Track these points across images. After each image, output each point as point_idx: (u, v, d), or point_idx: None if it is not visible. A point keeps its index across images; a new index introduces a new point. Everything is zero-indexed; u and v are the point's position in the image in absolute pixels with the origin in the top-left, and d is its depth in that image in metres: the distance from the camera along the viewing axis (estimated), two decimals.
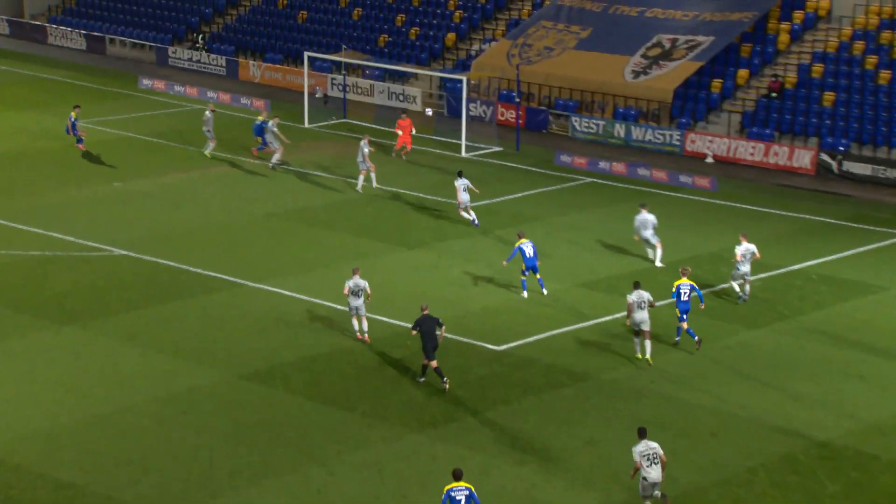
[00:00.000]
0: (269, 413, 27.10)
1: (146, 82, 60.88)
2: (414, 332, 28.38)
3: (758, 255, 34.10)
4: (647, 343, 29.78)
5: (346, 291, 30.47)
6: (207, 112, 48.28)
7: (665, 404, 27.82)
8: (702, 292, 31.18)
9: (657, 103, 52.70)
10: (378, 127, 51.47)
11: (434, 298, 33.50)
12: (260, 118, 47.43)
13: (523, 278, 33.40)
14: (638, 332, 29.80)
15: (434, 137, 51.46)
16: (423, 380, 28.52)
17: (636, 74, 53.90)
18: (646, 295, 29.73)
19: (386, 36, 62.73)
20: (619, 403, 27.67)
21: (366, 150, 44.78)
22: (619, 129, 52.03)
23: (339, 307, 32.35)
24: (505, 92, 56.08)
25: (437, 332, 28.06)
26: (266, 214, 41.23)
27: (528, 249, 33.06)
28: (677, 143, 50.74)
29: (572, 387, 28.61)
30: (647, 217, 36.67)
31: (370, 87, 58.65)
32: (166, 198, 43.00)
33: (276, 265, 36.23)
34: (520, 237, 33.45)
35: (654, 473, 22.84)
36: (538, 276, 33.33)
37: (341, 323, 31.59)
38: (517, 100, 52.53)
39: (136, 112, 55.96)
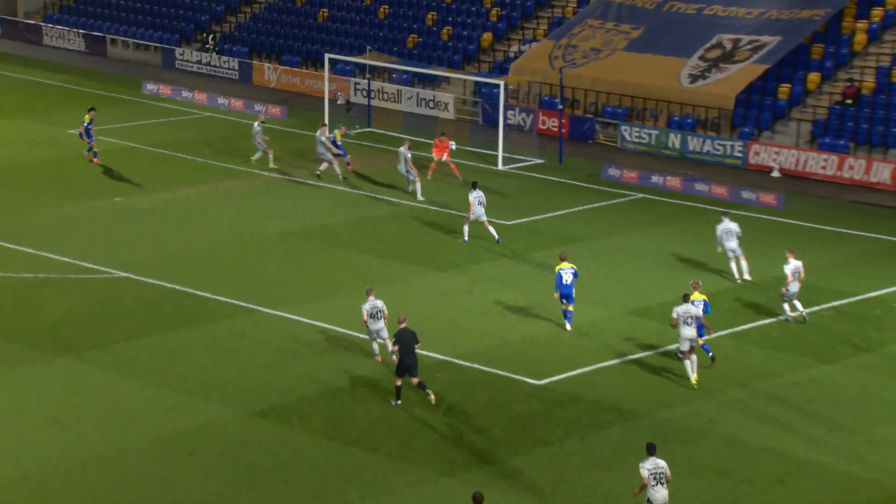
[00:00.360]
0: (284, 455, 27.05)
1: (150, 87, 61.20)
2: (395, 348, 28.82)
3: (803, 273, 34.16)
4: (695, 357, 30.32)
5: (364, 317, 30.55)
6: (256, 124, 48.48)
7: (726, 447, 27.59)
8: (710, 318, 31.11)
9: (717, 111, 52.52)
10: (406, 137, 51.40)
11: (468, 327, 33.41)
12: (338, 132, 47.50)
13: (563, 307, 33.22)
14: (684, 354, 30.23)
15: (468, 149, 51.43)
16: (398, 403, 28.84)
17: (693, 79, 53.73)
18: (694, 310, 30.21)
19: (415, 36, 62.85)
20: (675, 446, 27.45)
21: (408, 155, 44.91)
22: (674, 140, 51.87)
23: (362, 336, 32.30)
24: (546, 98, 56.02)
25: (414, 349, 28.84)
26: (282, 233, 41.28)
27: (567, 276, 32.82)
28: (739, 155, 50.53)
29: (621, 426, 28.43)
30: (730, 226, 37.02)
31: (397, 92, 58.74)
32: (172, 214, 43.14)
33: (292, 289, 36.23)
34: (561, 260, 33.27)
35: (661, 494, 23.21)
36: (570, 307, 33.11)
37: (365, 354, 31.54)
38: (560, 107, 52.48)
39: (139, 120, 56.23)
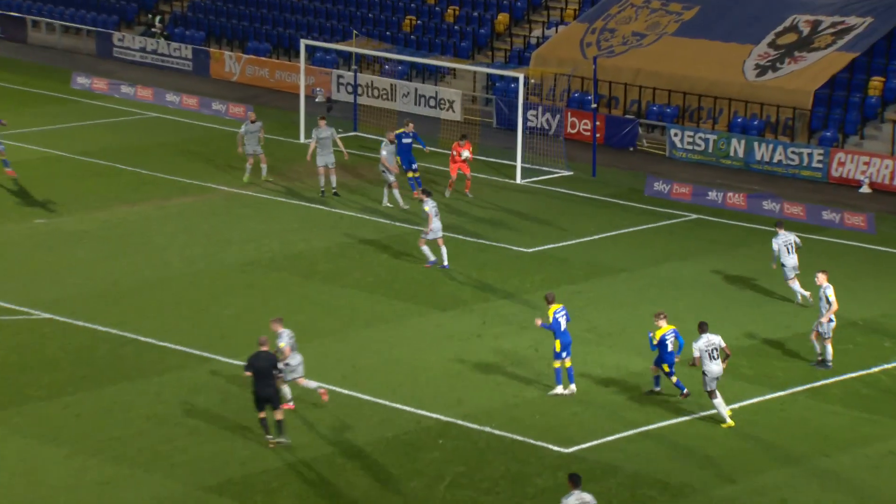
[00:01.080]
0: None
1: (82, 81, 61.32)
2: (247, 374, 29.68)
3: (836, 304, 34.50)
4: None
5: (287, 352, 31.05)
6: (244, 127, 48.10)
7: None
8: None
9: (791, 110, 52.55)
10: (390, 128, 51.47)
11: (476, 380, 33.35)
12: (404, 130, 46.88)
13: (557, 366, 32.56)
14: (713, 392, 31.07)
15: (479, 157, 51.46)
16: (271, 438, 29.78)
17: (762, 70, 53.76)
18: (717, 340, 31.14)
19: (413, 18, 62.99)
20: None
21: (383, 152, 45.11)
22: (737, 147, 51.88)
23: (344, 391, 32.29)
24: (577, 95, 56.08)
25: (276, 375, 29.73)
26: (245, 263, 41.29)
27: (563, 320, 32.43)
28: (819, 165, 50.52)
29: None
30: (790, 237, 38.07)
31: (391, 87, 58.82)
32: (108, 240, 43.16)
33: (258, 333, 36.00)
34: (550, 302, 32.38)
35: None
36: (569, 362, 32.54)
37: (349, 414, 31.52)
38: (594, 106, 52.52)
39: (67, 122, 56.29)
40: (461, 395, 32.60)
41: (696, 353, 31.09)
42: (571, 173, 50.59)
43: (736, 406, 31.92)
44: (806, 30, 54.53)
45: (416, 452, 30.07)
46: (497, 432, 30.90)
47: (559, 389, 32.58)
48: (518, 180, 49.68)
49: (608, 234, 44.53)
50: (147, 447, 30.19)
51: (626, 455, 30.20)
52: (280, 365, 30.45)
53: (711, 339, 31.15)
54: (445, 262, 40.48)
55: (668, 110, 54.48)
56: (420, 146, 46.95)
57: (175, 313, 37.36)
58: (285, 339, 31.14)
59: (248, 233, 43.79)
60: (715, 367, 31.04)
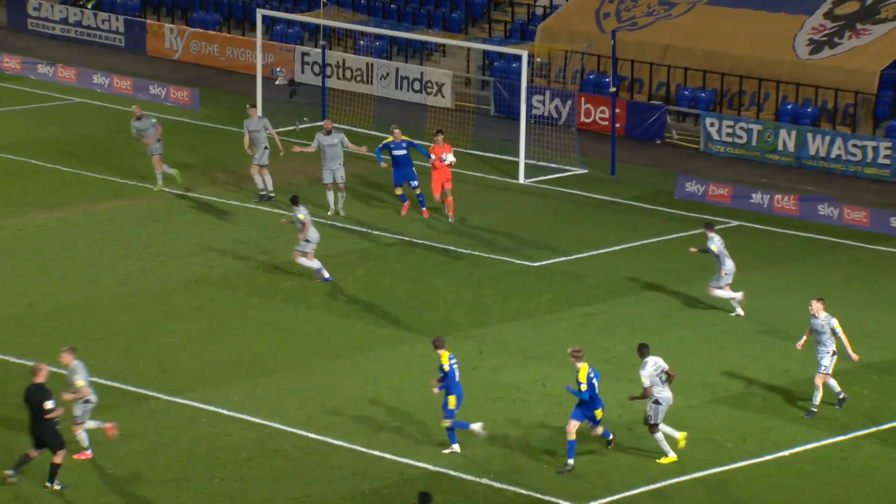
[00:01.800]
0: None
1: None
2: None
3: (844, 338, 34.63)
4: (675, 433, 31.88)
5: (86, 391, 30.88)
6: (132, 123, 48.01)
7: None
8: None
9: (852, 95, 52.67)
10: (379, 134, 51.56)
11: (472, 422, 33.41)
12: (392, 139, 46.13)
13: (448, 425, 32.01)
14: (658, 426, 31.69)
15: (473, 152, 51.54)
16: (11, 474, 30.21)
17: (816, 47, 53.86)
18: (661, 362, 31.78)
19: None
20: None
21: (313, 144, 45.35)
22: (786, 139, 51.99)
23: (311, 435, 32.34)
24: (592, 76, 56.18)
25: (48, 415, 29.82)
26: (192, 280, 41.30)
27: (457, 369, 32.16)
28: (886, 161, 50.64)
29: None
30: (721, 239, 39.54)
31: (367, 67, 58.85)
32: (23, 252, 43.19)
33: (207, 365, 36.21)
34: (440, 348, 31.87)
35: None
36: (475, 428, 32.35)
37: (317, 463, 31.57)
38: (613, 89, 52.63)
39: None
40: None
41: (647, 382, 31.42)
42: (586, 171, 50.66)
43: (786, 453, 31.98)
44: None
45: None
46: (496, 484, 30.94)
47: (455, 447, 32.18)
48: (521, 180, 49.76)
49: (630, 244, 44.62)
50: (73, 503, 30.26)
51: None
52: (80, 405, 30.91)
53: (658, 362, 31.71)
54: (326, 275, 40.90)
55: (703, 95, 54.59)
56: (418, 152, 46.15)
57: (106, 342, 37.36)
58: (82, 373, 31.07)
59: (194, 243, 43.79)
60: (668, 393, 31.65)
